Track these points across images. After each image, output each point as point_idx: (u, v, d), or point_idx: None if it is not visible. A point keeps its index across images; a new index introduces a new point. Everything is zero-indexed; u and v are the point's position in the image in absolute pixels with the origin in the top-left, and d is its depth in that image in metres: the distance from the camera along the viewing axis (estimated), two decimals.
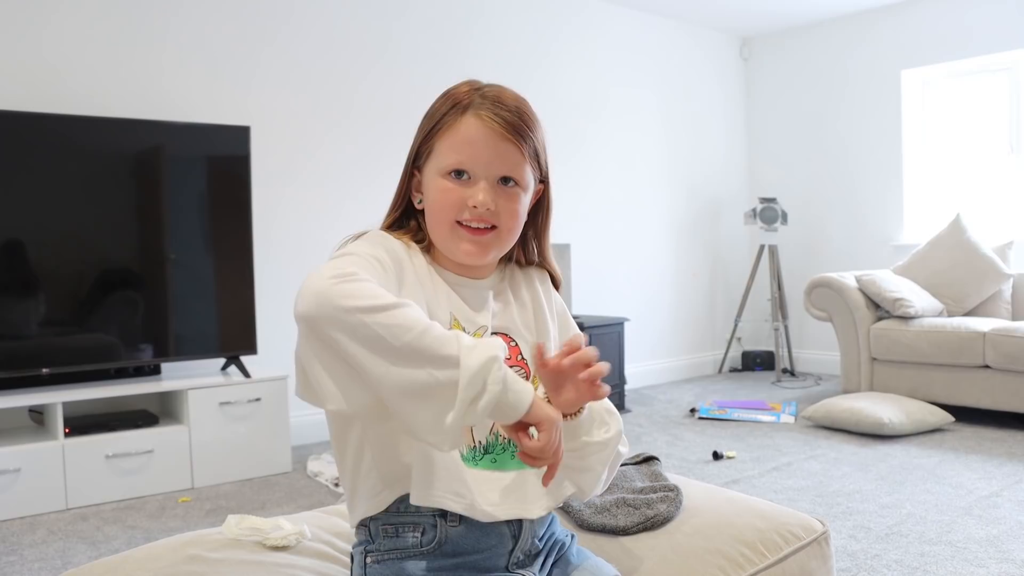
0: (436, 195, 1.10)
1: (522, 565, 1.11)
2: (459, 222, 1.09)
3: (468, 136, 1.08)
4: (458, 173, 1.08)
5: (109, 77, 3.39)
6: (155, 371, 3.39)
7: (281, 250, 3.81)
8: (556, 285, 1.25)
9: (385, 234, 1.12)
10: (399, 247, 1.10)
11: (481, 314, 1.13)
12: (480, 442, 1.09)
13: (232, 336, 3.45)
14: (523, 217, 1.13)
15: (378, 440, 1.06)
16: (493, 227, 1.09)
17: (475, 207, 1.07)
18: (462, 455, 1.06)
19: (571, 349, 1.00)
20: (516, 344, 1.15)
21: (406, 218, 1.17)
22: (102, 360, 3.21)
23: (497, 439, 1.10)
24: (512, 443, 1.10)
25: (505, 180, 1.09)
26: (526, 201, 1.13)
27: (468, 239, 1.09)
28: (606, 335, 4.40)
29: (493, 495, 1.07)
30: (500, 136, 1.07)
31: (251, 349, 3.48)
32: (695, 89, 5.71)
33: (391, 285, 1.03)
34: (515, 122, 1.09)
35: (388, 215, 1.17)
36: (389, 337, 0.88)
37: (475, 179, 1.08)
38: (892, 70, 5.31)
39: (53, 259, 3.09)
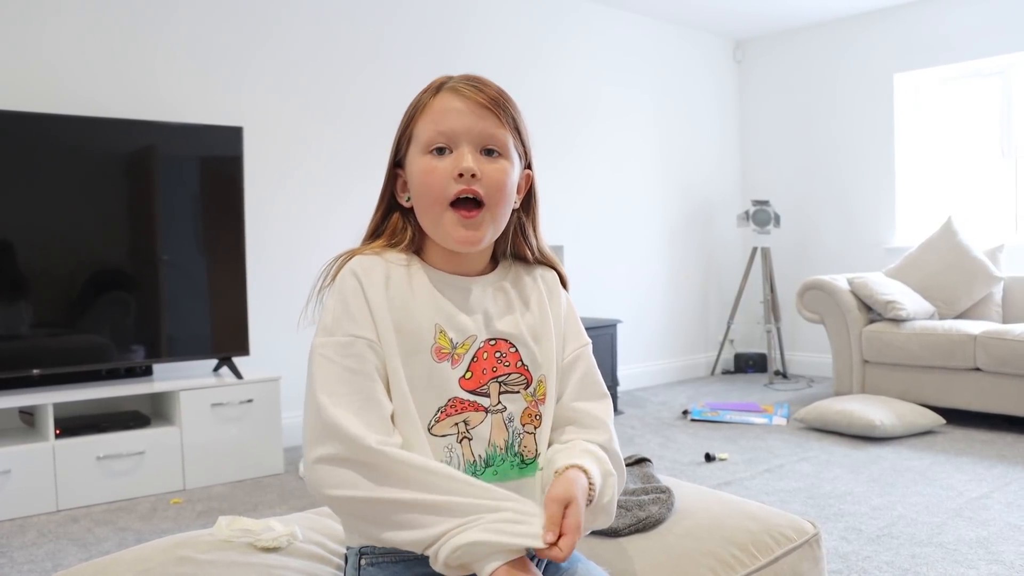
0: (420, 177, 1.08)
1: None
2: (451, 205, 1.06)
3: (445, 108, 1.07)
4: (440, 150, 1.07)
5: (101, 77, 3.38)
6: (147, 372, 3.38)
7: (273, 251, 3.80)
8: (563, 283, 1.22)
9: (354, 267, 1.08)
10: (369, 272, 1.07)
11: (472, 318, 1.11)
12: (480, 455, 1.07)
13: (224, 337, 3.45)
14: (512, 192, 1.10)
15: None
16: (482, 204, 1.07)
17: (460, 175, 1.05)
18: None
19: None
20: (517, 350, 1.12)
21: (389, 217, 1.15)
22: (93, 361, 3.20)
23: (496, 451, 1.08)
24: (511, 452, 1.10)
25: (489, 152, 1.07)
26: (513, 175, 1.10)
27: (460, 224, 1.06)
28: (599, 337, 4.40)
29: None
30: (478, 104, 1.06)
31: (243, 350, 3.47)
32: (688, 91, 5.72)
33: (375, 343, 1.05)
34: (493, 95, 1.07)
35: (372, 218, 1.16)
36: (373, 516, 0.99)
37: (457, 149, 1.06)
38: (885, 73, 5.33)
39: (44, 259, 3.07)
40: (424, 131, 1.08)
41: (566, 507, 0.98)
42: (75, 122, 3.11)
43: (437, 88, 1.09)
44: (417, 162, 1.08)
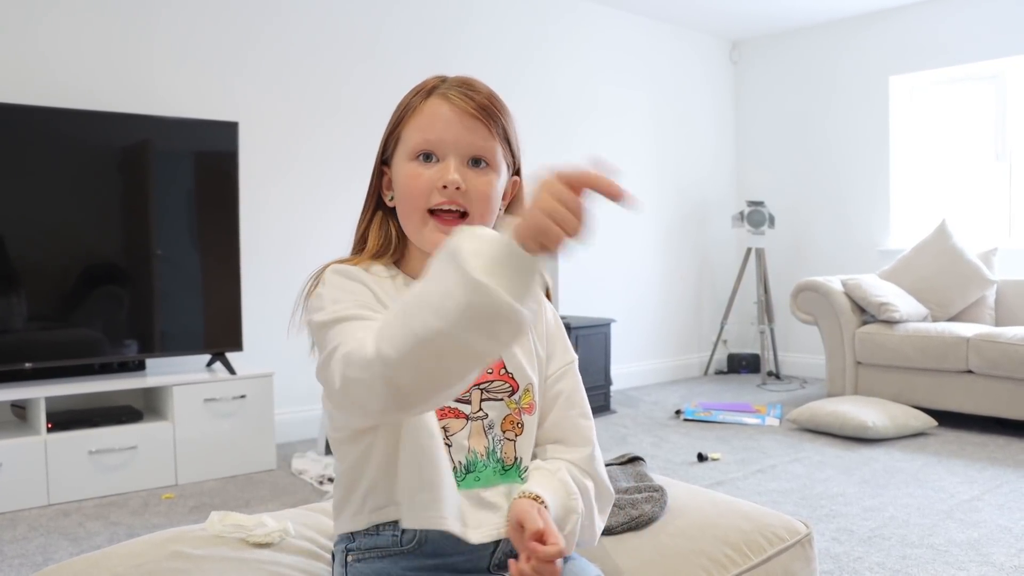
0: (404, 181, 1.07)
1: (503, 566, 1.10)
2: (431, 212, 1.05)
3: (434, 115, 1.05)
4: (426, 156, 1.05)
5: (98, 71, 3.37)
6: (140, 367, 3.37)
7: (268, 247, 3.79)
8: (547, 295, 1.20)
9: (340, 274, 1.06)
10: (358, 275, 1.06)
11: None
12: (460, 462, 1.07)
13: (218, 332, 3.44)
14: (496, 203, 1.09)
15: (380, 463, 1.05)
16: (464, 215, 1.05)
17: (445, 187, 1.03)
18: None
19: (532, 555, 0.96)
20: (500, 358, 1.11)
21: (376, 219, 1.13)
22: (86, 355, 3.19)
23: (477, 457, 1.08)
24: (493, 458, 1.09)
25: (476, 162, 1.06)
26: (499, 186, 1.09)
27: (439, 231, 1.04)
28: (593, 336, 4.41)
29: (478, 516, 1.06)
30: (467, 114, 1.04)
31: (237, 346, 3.46)
32: (685, 92, 5.72)
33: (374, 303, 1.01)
34: (483, 102, 1.05)
35: (360, 220, 1.14)
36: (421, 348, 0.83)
37: (444, 159, 1.05)
38: (880, 76, 5.34)
39: (38, 253, 3.06)
40: (411, 136, 1.07)
41: (538, 531, 0.98)
42: (70, 115, 3.09)
43: (428, 92, 1.08)
44: (403, 167, 1.07)
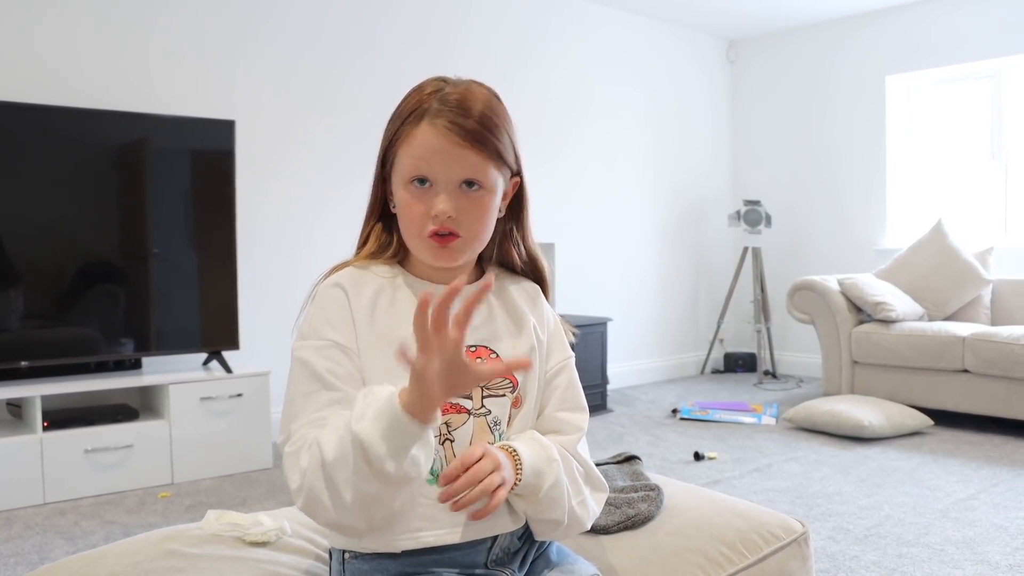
0: (402, 207, 1.09)
1: (501, 563, 1.11)
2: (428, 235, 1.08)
3: (424, 145, 1.05)
4: (420, 181, 1.07)
5: (94, 69, 3.36)
6: (136, 365, 3.36)
7: (264, 245, 3.79)
8: (544, 291, 1.23)
9: (339, 279, 1.11)
10: (356, 284, 1.10)
11: None
12: None
13: (214, 331, 3.43)
14: (490, 218, 1.11)
15: None
16: (458, 235, 1.08)
17: (436, 216, 1.05)
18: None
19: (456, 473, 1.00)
20: (497, 356, 1.13)
21: (377, 226, 1.16)
22: (82, 354, 3.18)
23: None
24: None
25: (468, 184, 1.07)
26: (492, 202, 1.10)
27: (435, 250, 1.08)
28: (589, 335, 4.41)
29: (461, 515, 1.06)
30: (457, 144, 1.05)
31: (233, 344, 3.46)
32: (681, 91, 5.73)
33: (349, 349, 1.07)
34: (473, 128, 1.05)
35: (364, 225, 1.17)
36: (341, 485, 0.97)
37: (436, 186, 1.06)
38: (877, 75, 5.35)
39: (34, 251, 3.06)
40: (404, 162, 1.08)
41: (478, 460, 1.00)
42: (66, 113, 3.09)
43: (419, 116, 1.07)
44: (399, 190, 1.10)
